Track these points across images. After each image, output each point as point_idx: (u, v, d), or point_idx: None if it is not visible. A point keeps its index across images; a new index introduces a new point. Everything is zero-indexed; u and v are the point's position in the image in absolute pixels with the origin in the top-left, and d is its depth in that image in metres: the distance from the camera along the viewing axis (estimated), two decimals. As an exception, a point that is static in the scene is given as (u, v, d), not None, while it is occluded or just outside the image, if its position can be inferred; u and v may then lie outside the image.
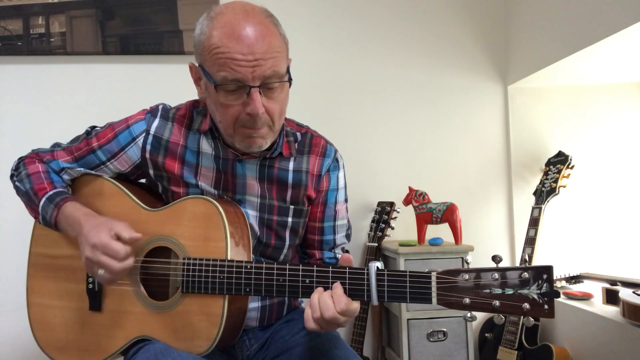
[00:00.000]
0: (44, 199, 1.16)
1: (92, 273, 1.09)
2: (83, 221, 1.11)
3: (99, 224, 1.10)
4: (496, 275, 0.94)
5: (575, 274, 2.08)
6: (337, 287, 1.00)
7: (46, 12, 2.07)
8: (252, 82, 1.03)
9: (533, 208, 2.03)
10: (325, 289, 1.01)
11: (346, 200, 1.34)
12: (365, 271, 1.00)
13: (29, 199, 1.19)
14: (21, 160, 1.26)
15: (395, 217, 2.08)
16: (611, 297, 1.73)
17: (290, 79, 1.10)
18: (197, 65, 1.12)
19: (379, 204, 2.13)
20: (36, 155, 1.25)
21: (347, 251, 1.36)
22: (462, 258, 1.94)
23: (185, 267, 1.09)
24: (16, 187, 1.23)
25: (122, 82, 2.13)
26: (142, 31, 2.11)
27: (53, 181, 1.20)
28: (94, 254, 1.05)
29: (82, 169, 1.23)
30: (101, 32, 2.10)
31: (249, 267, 1.06)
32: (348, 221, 1.35)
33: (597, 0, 1.68)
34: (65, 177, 1.24)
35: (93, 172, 1.23)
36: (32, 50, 2.08)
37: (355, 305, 1.01)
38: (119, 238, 1.06)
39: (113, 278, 1.07)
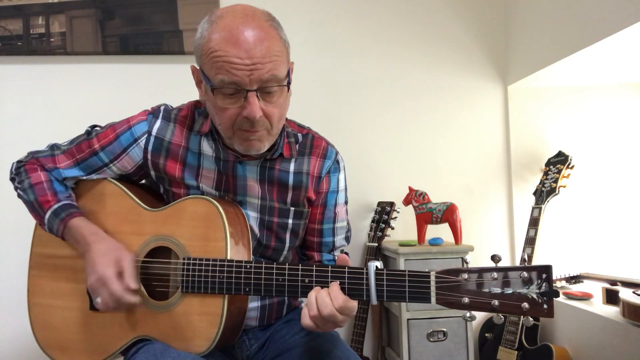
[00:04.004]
0: (49, 213, 1.17)
1: (94, 298, 1.10)
2: (90, 241, 1.12)
3: (107, 251, 1.11)
4: (495, 274, 0.94)
5: (575, 274, 2.08)
6: (334, 285, 1.00)
7: (46, 12, 2.07)
8: (249, 86, 1.02)
9: (533, 208, 2.03)
10: (324, 288, 1.01)
11: (346, 203, 1.34)
12: (365, 271, 1.00)
13: (34, 209, 1.20)
14: (21, 165, 1.24)
15: (395, 217, 2.08)
16: (611, 297, 1.73)
17: (289, 83, 1.09)
18: (198, 68, 1.11)
19: (379, 204, 2.13)
20: (37, 160, 1.23)
21: (346, 253, 1.36)
22: (462, 258, 1.93)
23: (185, 266, 1.09)
24: (19, 195, 1.23)
25: (122, 82, 2.14)
26: (142, 31, 2.11)
27: (57, 192, 1.20)
28: (98, 286, 1.07)
29: (85, 177, 1.23)
30: (101, 32, 2.10)
31: (248, 266, 1.06)
32: (348, 223, 1.35)
33: (596, 1, 1.68)
34: (68, 183, 1.24)
35: (95, 176, 1.23)
36: (32, 50, 2.08)
37: (353, 303, 1.00)
38: (121, 274, 1.07)
39: (113, 309, 1.09)
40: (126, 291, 1.06)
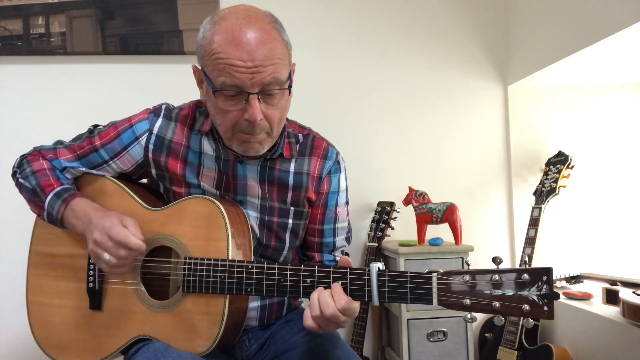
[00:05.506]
0: (50, 195, 1.16)
1: (97, 257, 1.08)
2: (93, 215, 1.11)
3: (109, 214, 1.11)
4: (496, 276, 0.94)
5: (575, 274, 2.08)
6: (337, 286, 1.00)
7: (46, 12, 2.07)
8: (251, 89, 1.03)
9: (533, 208, 2.03)
10: (326, 288, 1.01)
11: (347, 203, 1.34)
12: (367, 271, 1.00)
13: (34, 195, 1.18)
14: (24, 157, 1.25)
15: (395, 217, 2.09)
16: (611, 297, 1.73)
17: (290, 86, 1.09)
18: (199, 68, 1.12)
19: (379, 204, 2.13)
20: (39, 152, 1.25)
21: (347, 254, 1.36)
22: (462, 258, 1.94)
23: (187, 266, 1.09)
24: (19, 184, 1.22)
25: (122, 82, 2.13)
26: (142, 31, 2.11)
27: (59, 178, 1.20)
28: (102, 237, 1.06)
29: (84, 168, 1.23)
30: (101, 32, 2.09)
31: (250, 266, 1.06)
32: (349, 224, 1.35)
33: (596, 1, 1.68)
34: (68, 176, 1.24)
35: (95, 171, 1.23)
36: (32, 50, 2.08)
37: (356, 304, 1.01)
38: (124, 226, 1.07)
39: (117, 264, 1.07)
40: (133, 235, 1.06)
